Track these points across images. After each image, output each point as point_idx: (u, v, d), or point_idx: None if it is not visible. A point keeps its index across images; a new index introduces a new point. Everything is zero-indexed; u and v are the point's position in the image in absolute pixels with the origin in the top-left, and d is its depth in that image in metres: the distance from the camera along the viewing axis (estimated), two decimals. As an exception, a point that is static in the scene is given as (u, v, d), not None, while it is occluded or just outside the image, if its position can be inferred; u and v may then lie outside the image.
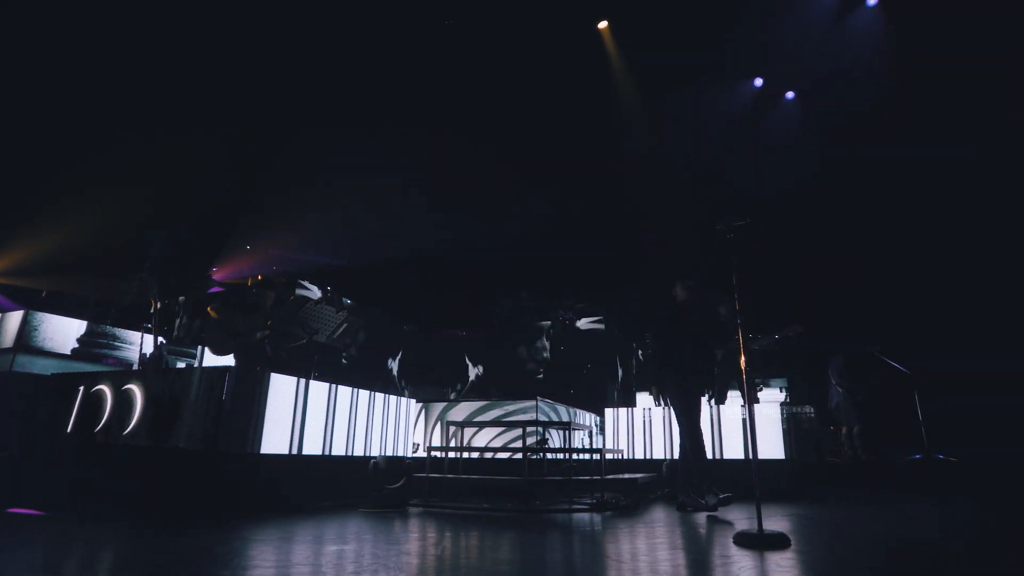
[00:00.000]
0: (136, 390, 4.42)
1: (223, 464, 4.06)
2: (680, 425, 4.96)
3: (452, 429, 5.98)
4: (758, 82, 11.64)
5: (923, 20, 9.47)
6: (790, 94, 11.70)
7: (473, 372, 9.00)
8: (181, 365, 5.83)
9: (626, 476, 5.53)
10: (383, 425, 5.52)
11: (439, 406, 6.14)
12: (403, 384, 8.37)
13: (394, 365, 8.50)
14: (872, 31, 10.24)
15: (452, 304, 10.38)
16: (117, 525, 3.57)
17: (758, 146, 11.46)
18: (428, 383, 8.40)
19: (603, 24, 10.83)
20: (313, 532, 3.49)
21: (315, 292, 5.92)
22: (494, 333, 9.61)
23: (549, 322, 10.00)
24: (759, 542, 3.03)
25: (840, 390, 8.13)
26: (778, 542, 3.03)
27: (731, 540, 3.21)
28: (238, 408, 4.19)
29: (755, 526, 3.14)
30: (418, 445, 6.01)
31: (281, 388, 4.56)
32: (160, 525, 3.57)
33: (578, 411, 7.05)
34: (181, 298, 6.86)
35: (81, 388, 4.63)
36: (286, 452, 4.51)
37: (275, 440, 4.43)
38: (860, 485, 7.12)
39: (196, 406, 4.17)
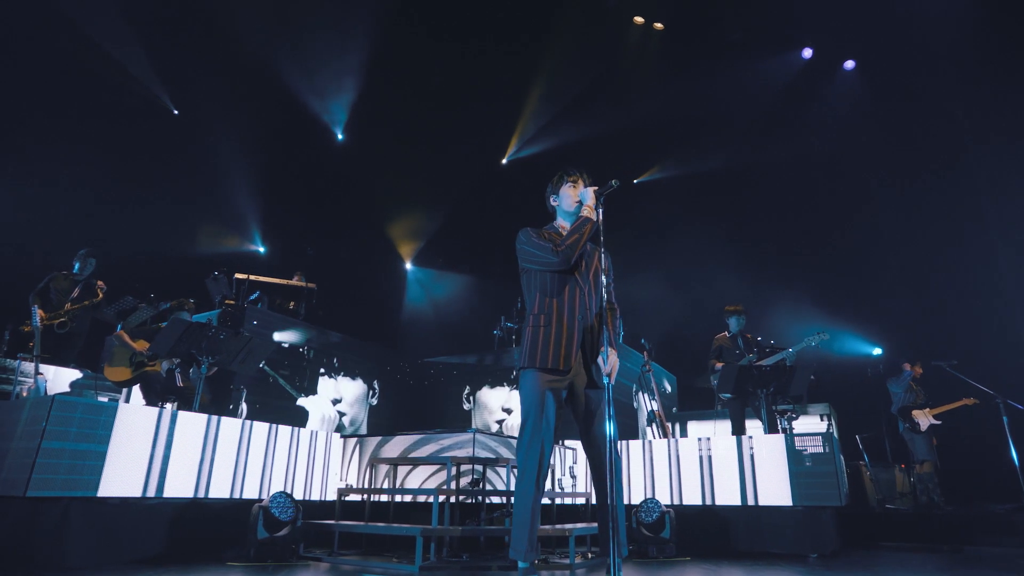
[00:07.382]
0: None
1: (37, 512, 3.52)
2: None
3: (385, 468, 5.19)
4: (807, 53, 10.00)
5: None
6: (849, 63, 9.96)
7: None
8: (103, 400, 5.47)
9: (574, 526, 4.45)
10: (289, 463, 4.82)
11: (373, 441, 5.36)
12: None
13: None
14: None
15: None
16: None
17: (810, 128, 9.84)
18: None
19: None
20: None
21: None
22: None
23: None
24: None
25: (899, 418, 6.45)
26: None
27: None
28: (64, 445, 3.65)
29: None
30: (350, 487, 5.25)
31: (135, 421, 3.99)
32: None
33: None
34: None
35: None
36: (138, 495, 3.92)
37: (121, 481, 3.85)
38: (926, 539, 5.49)
39: (19, 445, 3.69)
